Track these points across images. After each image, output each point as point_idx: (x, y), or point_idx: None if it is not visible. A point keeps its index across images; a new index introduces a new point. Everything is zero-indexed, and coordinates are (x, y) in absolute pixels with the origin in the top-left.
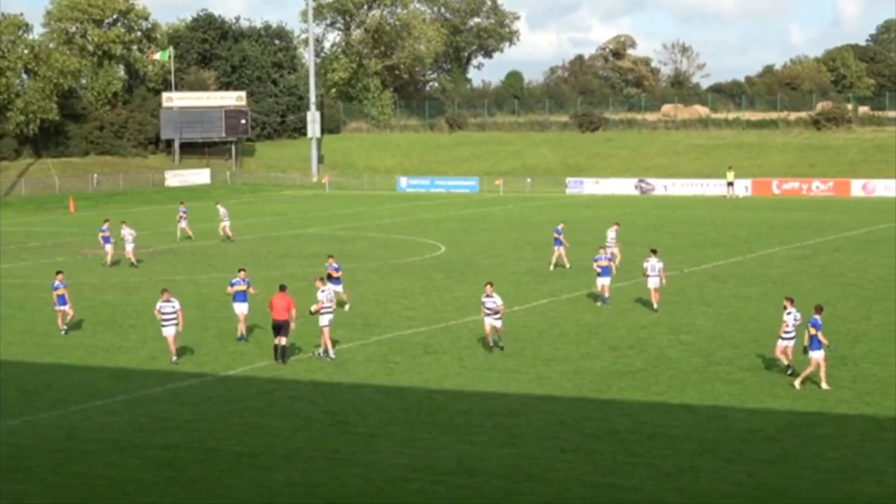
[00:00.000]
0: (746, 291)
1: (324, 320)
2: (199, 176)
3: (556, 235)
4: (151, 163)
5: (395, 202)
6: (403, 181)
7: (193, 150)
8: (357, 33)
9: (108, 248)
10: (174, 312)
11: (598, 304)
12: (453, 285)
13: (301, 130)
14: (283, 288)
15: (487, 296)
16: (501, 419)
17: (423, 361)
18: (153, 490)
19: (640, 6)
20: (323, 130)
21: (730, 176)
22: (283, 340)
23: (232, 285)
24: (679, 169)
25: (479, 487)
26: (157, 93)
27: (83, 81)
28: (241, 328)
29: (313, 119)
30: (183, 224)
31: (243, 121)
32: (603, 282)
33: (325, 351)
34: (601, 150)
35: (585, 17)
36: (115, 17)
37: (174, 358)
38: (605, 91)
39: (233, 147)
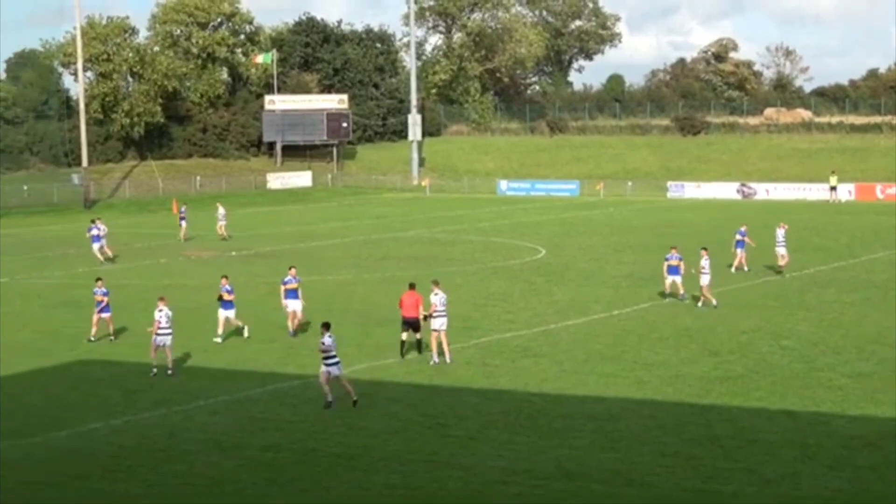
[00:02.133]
0: (849, 297)
1: (436, 324)
2: (300, 178)
3: (738, 237)
4: (253, 165)
5: (495, 205)
6: (504, 184)
7: (295, 153)
8: (458, 36)
9: (96, 246)
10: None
11: (699, 306)
12: (553, 288)
13: (402, 133)
14: (412, 286)
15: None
16: (601, 423)
17: (522, 365)
18: (252, 490)
19: (739, 9)
20: (424, 133)
21: (833, 180)
22: (415, 336)
23: (284, 283)
24: (781, 173)
25: (579, 492)
26: (260, 96)
27: (187, 84)
28: (291, 325)
29: (414, 122)
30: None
31: (345, 123)
32: (674, 279)
33: (441, 354)
34: (702, 154)
35: (685, 21)
36: (219, 20)
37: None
38: (706, 94)
39: (334, 150)
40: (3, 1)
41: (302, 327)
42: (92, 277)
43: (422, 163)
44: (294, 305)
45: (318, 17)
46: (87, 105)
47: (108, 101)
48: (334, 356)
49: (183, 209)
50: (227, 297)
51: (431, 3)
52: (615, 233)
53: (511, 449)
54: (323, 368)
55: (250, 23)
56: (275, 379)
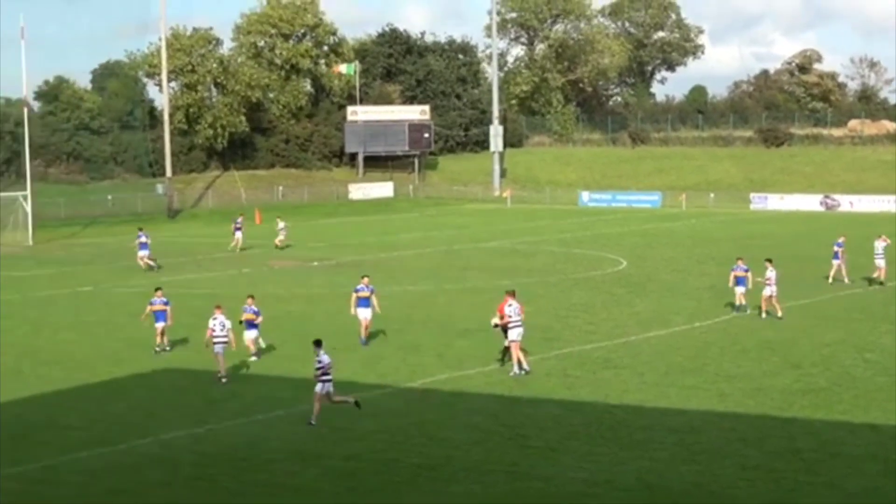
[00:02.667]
0: None
1: (513, 334)
2: (382, 189)
3: (836, 249)
4: (336, 175)
5: (577, 216)
6: (585, 195)
7: (377, 164)
8: (541, 48)
9: (143, 254)
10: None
11: (744, 312)
12: (634, 300)
13: (484, 144)
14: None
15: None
16: (682, 435)
17: (603, 376)
18: (333, 500)
19: (823, 20)
20: (505, 144)
21: None
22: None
23: (356, 291)
24: (866, 185)
25: None
26: (342, 107)
27: (270, 95)
28: (363, 333)
29: (496, 133)
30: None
31: (427, 134)
32: (740, 290)
33: (519, 365)
34: (786, 166)
35: (768, 32)
36: (303, 31)
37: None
38: (790, 106)
39: (416, 160)
40: (89, 13)
41: (372, 335)
42: (177, 287)
43: (503, 174)
44: (365, 314)
45: (401, 29)
46: (171, 116)
47: (192, 111)
48: (329, 374)
49: (239, 220)
50: (251, 317)
51: (514, 14)
52: (697, 244)
53: (592, 461)
54: (319, 386)
55: (334, 34)
56: (355, 388)
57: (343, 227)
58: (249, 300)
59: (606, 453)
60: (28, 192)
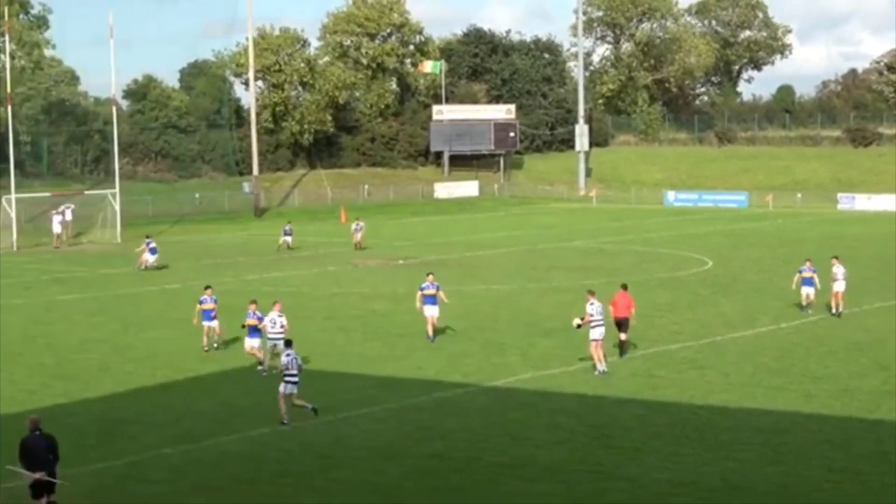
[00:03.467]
0: None
1: (595, 333)
2: (467, 188)
3: None
4: (421, 174)
5: (662, 216)
6: (671, 195)
7: (462, 163)
8: (627, 46)
9: (151, 258)
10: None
11: (808, 312)
12: (720, 300)
13: (569, 143)
14: (624, 287)
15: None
16: (768, 436)
17: (688, 377)
18: (416, 498)
19: None
20: (591, 143)
21: None
22: (622, 336)
23: (422, 289)
24: None
25: None
26: (428, 106)
27: (357, 94)
28: (430, 330)
29: (581, 132)
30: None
31: (512, 133)
32: (809, 290)
33: (601, 365)
34: (874, 166)
35: (856, 31)
36: (389, 30)
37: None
38: (879, 105)
39: (501, 160)
40: (177, 13)
41: (457, 334)
42: (263, 284)
43: (589, 173)
44: (431, 311)
45: (486, 28)
46: (257, 115)
47: (278, 110)
48: (295, 375)
49: (288, 227)
50: (254, 323)
51: (600, 13)
52: (784, 244)
53: (676, 461)
54: (282, 387)
55: (420, 33)
56: (439, 387)
57: (428, 225)
58: (252, 305)
59: (691, 454)
60: (117, 190)
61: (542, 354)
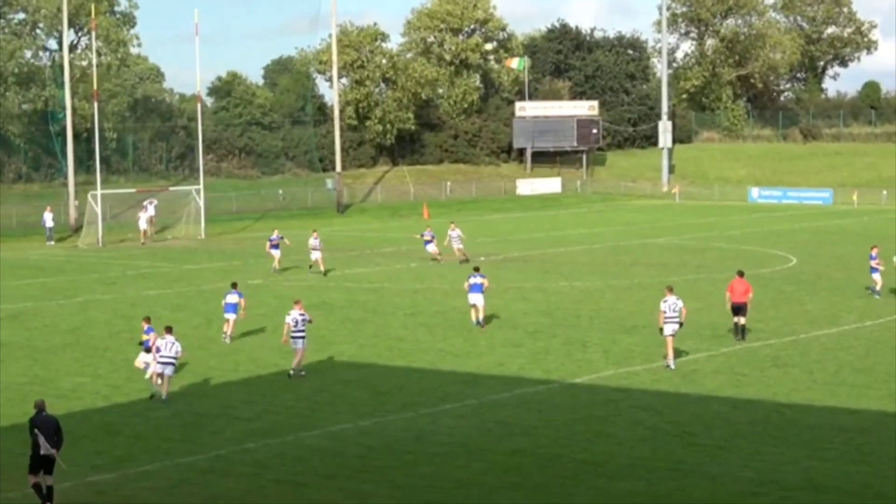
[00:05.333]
0: None
1: (667, 330)
2: (550, 184)
3: None
4: (503, 171)
5: (746, 213)
6: (755, 192)
7: (545, 159)
8: (711, 43)
9: (276, 253)
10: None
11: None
12: (804, 297)
13: (652, 140)
14: (741, 273)
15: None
16: (851, 435)
17: (771, 374)
18: (498, 494)
19: None
20: (674, 140)
21: None
22: (741, 320)
23: (470, 279)
24: None
25: None
26: (511, 102)
27: (439, 91)
28: (475, 316)
29: (665, 129)
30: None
31: (595, 130)
32: (875, 277)
33: (670, 361)
34: None
35: None
36: (472, 26)
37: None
38: None
39: (584, 156)
40: (262, 10)
41: (538, 331)
42: (345, 280)
43: (672, 169)
44: (476, 299)
45: (571, 24)
46: (341, 111)
47: (361, 107)
48: (171, 360)
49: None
50: (233, 300)
51: (684, 9)
52: (869, 242)
53: (759, 459)
54: (158, 367)
55: (503, 29)
56: (521, 383)
57: (510, 222)
58: (144, 322)
59: (773, 452)
60: (201, 186)
61: (624, 351)
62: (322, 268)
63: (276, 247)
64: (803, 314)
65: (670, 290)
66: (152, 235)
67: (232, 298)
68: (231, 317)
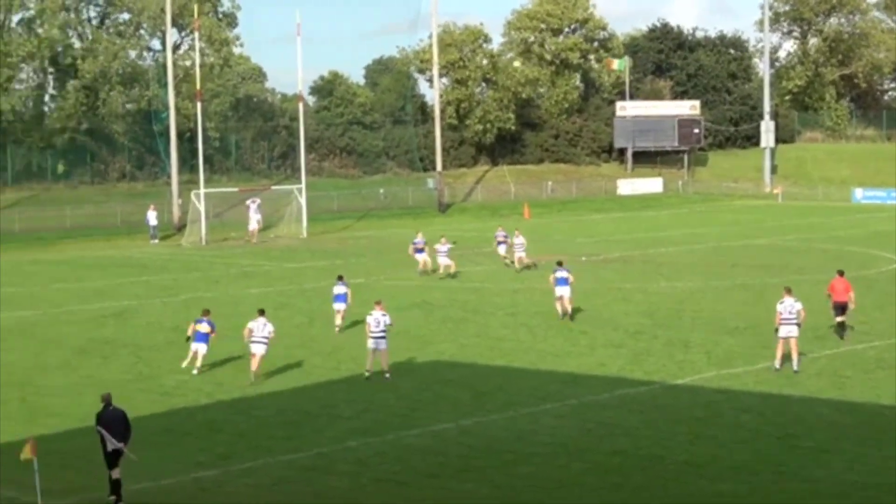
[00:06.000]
0: None
1: (782, 332)
2: (650, 184)
3: None
4: (604, 171)
5: (850, 214)
6: (859, 192)
7: (646, 159)
8: (814, 42)
9: (420, 257)
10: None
11: None
12: None
13: (754, 140)
14: (841, 272)
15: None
16: None
17: (876, 376)
18: (598, 494)
19: None
20: (776, 140)
21: None
22: (843, 319)
23: (554, 273)
24: None
25: None
26: (612, 102)
27: (540, 90)
28: (561, 308)
29: (767, 129)
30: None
31: (696, 130)
32: None
33: (783, 361)
34: None
35: None
36: (573, 26)
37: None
38: None
39: (685, 156)
40: (363, 9)
41: (639, 332)
42: (444, 280)
43: (774, 170)
44: (562, 292)
45: (672, 24)
46: (441, 111)
47: (462, 107)
48: (264, 338)
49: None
50: (205, 329)
51: (786, 8)
52: None
53: (863, 462)
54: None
55: (604, 28)
56: (622, 384)
57: (611, 222)
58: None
59: (878, 455)
60: (303, 185)
61: (726, 353)
62: (453, 270)
63: (420, 251)
64: None
65: (788, 291)
66: (260, 234)
67: (339, 289)
68: (341, 307)
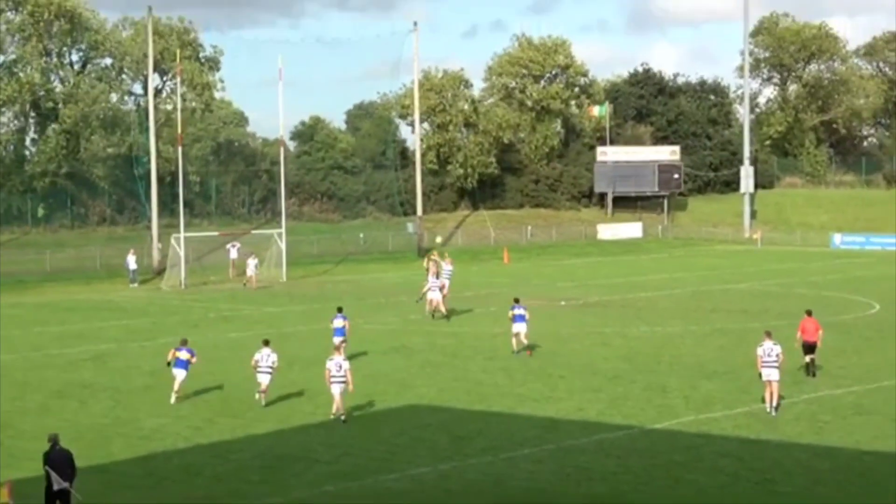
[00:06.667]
0: None
1: (765, 374)
2: (631, 229)
3: None
4: (584, 216)
5: (828, 259)
6: (837, 237)
7: (626, 204)
8: (794, 88)
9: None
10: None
11: None
12: (888, 345)
13: (733, 185)
14: (809, 312)
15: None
16: None
17: (854, 422)
18: None
19: None
20: (756, 185)
21: None
22: (811, 357)
23: (513, 310)
24: None
25: None
26: (592, 147)
27: (521, 135)
28: (517, 345)
29: (747, 174)
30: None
31: (676, 175)
32: None
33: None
34: None
35: None
36: (554, 72)
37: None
38: None
39: (665, 201)
40: (344, 55)
41: (617, 376)
42: (426, 324)
43: (754, 215)
44: (519, 328)
45: (654, 70)
46: (422, 155)
47: (443, 151)
48: (269, 368)
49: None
50: (184, 356)
51: (766, 54)
52: None
53: None
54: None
55: (584, 75)
56: (601, 429)
57: (591, 266)
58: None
59: (856, 502)
60: (283, 229)
61: (704, 397)
62: (443, 309)
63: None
64: (887, 361)
65: (768, 335)
66: (233, 277)
67: (338, 322)
68: (339, 341)
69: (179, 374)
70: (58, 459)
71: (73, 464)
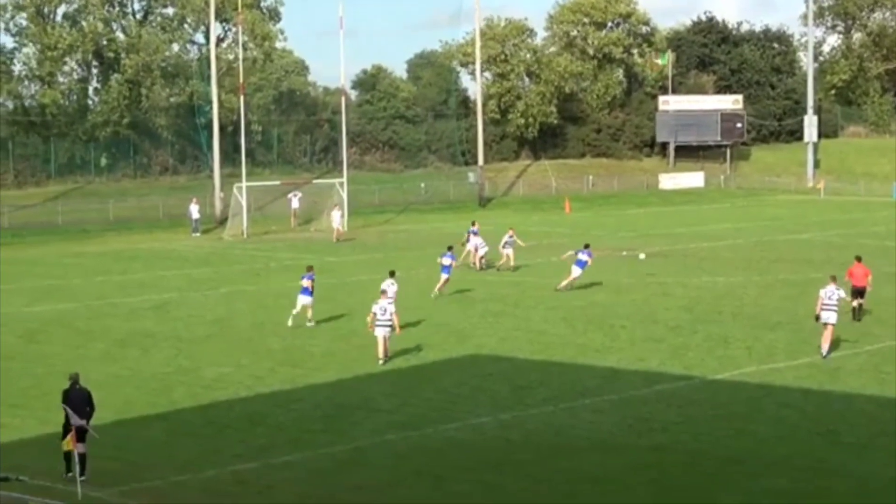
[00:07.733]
0: None
1: (823, 317)
2: (692, 179)
3: None
4: (646, 165)
5: (892, 209)
6: None
7: (688, 154)
8: (858, 36)
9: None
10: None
11: None
12: None
13: (797, 134)
14: (858, 258)
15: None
16: None
17: None
18: (636, 491)
19: None
20: (820, 135)
21: None
22: (860, 302)
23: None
24: None
25: None
26: (654, 96)
27: (583, 85)
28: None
29: (810, 123)
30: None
31: (739, 124)
32: None
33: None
34: None
35: None
36: (616, 20)
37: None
38: None
39: (727, 151)
40: (405, 4)
41: (679, 326)
42: (484, 274)
43: (817, 164)
44: (576, 273)
45: (718, 17)
46: (483, 105)
47: (504, 101)
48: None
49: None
50: (308, 283)
51: (830, 2)
52: None
53: None
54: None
55: (647, 23)
56: (661, 379)
57: (653, 216)
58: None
59: None
60: (345, 179)
61: (766, 348)
62: (512, 263)
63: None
64: None
65: (833, 279)
66: (296, 227)
67: (446, 261)
68: (444, 277)
69: (306, 300)
70: (76, 398)
71: (91, 402)
